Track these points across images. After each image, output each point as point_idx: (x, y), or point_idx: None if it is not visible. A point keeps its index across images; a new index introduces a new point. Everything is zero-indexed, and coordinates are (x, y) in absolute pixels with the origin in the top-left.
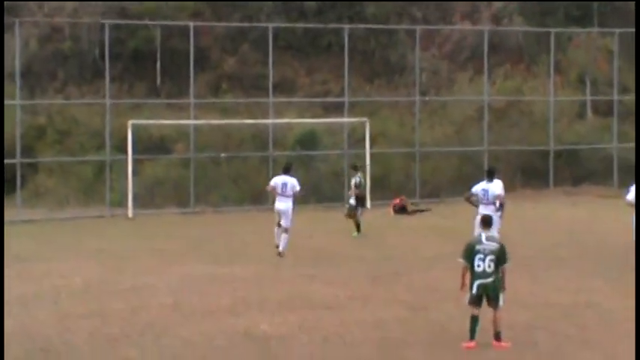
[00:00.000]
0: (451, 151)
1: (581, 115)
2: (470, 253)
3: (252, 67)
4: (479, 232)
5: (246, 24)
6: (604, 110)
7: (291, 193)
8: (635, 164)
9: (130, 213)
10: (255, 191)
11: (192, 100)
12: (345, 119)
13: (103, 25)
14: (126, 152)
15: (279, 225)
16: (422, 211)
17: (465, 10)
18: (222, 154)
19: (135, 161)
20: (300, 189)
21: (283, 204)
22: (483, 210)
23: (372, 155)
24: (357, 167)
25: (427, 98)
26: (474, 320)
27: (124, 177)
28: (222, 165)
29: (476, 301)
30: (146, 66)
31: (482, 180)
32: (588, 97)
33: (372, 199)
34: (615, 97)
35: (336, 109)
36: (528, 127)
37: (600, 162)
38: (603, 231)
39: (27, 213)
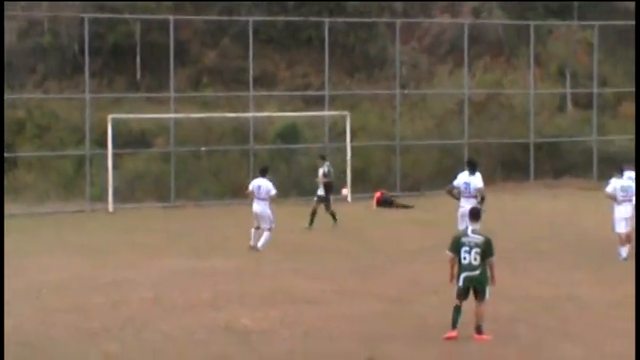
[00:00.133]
0: (431, 144)
1: (561, 107)
2: (456, 246)
3: (232, 60)
4: (466, 225)
5: (226, 17)
6: (584, 103)
7: (266, 196)
8: (634, 157)
9: (110, 207)
10: (236, 185)
11: (172, 94)
12: (326, 113)
13: (82, 20)
14: (106, 146)
15: (257, 228)
16: (405, 207)
17: (444, 4)
18: (203, 148)
19: (115, 155)
20: (276, 192)
21: (259, 207)
22: (465, 203)
23: (352, 148)
24: (324, 157)
25: (407, 91)
26: (457, 310)
27: (104, 171)
28: (202, 159)
29: (462, 293)
30: (126, 60)
31: (462, 171)
32: (568, 90)
33: (352, 193)
34: (595, 90)
35: (317, 102)
36: (508, 120)
37: (580, 154)
38: (584, 223)
39: (7, 208)
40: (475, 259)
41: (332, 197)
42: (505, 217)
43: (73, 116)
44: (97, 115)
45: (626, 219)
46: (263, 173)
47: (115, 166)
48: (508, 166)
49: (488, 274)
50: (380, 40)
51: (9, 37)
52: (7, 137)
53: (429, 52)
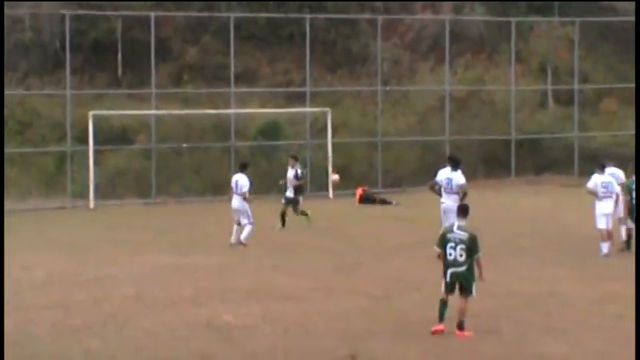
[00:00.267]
0: (413, 140)
1: (542, 104)
2: (442, 242)
3: (213, 57)
4: (453, 221)
5: (207, 14)
6: (565, 99)
7: (241, 192)
8: (635, 155)
9: (91, 204)
10: (217, 181)
11: (153, 90)
12: (307, 109)
13: (63, 16)
14: (87, 143)
15: (238, 224)
16: (389, 202)
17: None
18: (184, 145)
19: (96, 152)
20: (246, 191)
21: (236, 202)
22: (446, 199)
23: (334, 145)
24: (296, 157)
25: (389, 88)
26: (443, 304)
27: (85, 168)
28: (183, 155)
29: (449, 288)
30: (107, 57)
31: (443, 168)
32: (549, 87)
33: (334, 189)
34: (576, 87)
35: (298, 99)
36: (490, 116)
37: (562, 151)
38: (565, 220)
39: None
40: (461, 256)
41: (302, 199)
42: (487, 213)
43: (54, 113)
44: (79, 111)
45: (607, 215)
46: (242, 169)
47: (96, 163)
48: (489, 163)
49: (476, 270)
50: (361, 36)
51: None
52: None
53: (411, 48)
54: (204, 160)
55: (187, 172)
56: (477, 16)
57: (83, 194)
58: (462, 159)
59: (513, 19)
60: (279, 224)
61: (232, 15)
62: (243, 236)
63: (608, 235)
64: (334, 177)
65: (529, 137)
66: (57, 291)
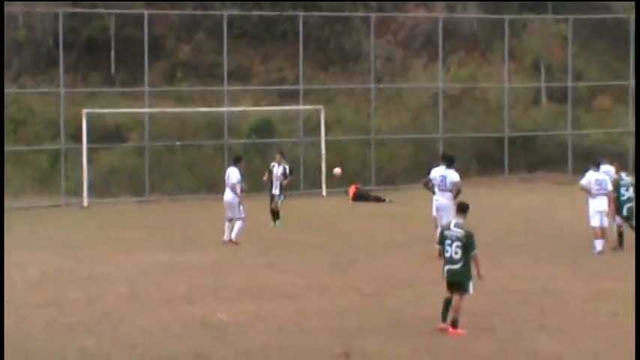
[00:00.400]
0: (407, 138)
1: (535, 101)
2: (441, 239)
3: (206, 55)
4: (450, 219)
5: (200, 12)
6: (558, 97)
7: (231, 184)
8: (634, 152)
9: (85, 202)
10: (211, 179)
11: (146, 88)
12: (301, 107)
13: (57, 14)
14: (81, 141)
15: (229, 220)
16: (382, 200)
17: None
18: (177, 143)
19: (90, 150)
20: (235, 183)
21: (227, 195)
22: (440, 196)
23: (327, 143)
24: (284, 153)
25: (382, 86)
26: (446, 303)
27: (79, 166)
28: (177, 153)
29: (448, 285)
30: (100, 55)
31: (436, 166)
32: (543, 84)
33: (327, 187)
34: (569, 84)
35: (292, 96)
36: (483, 114)
37: (555, 148)
38: (559, 218)
39: None
40: (456, 253)
41: (284, 197)
42: (480, 211)
43: (48, 111)
44: (72, 109)
45: (600, 212)
46: (235, 162)
47: (89, 161)
48: (483, 160)
49: (472, 268)
50: (355, 33)
51: None
52: None
53: (404, 46)
54: (198, 158)
55: (181, 169)
56: (470, 13)
57: (77, 192)
58: (455, 156)
59: (506, 17)
60: (272, 222)
61: (226, 13)
62: (234, 234)
63: (602, 233)
64: (337, 170)
65: (522, 135)
66: (51, 289)
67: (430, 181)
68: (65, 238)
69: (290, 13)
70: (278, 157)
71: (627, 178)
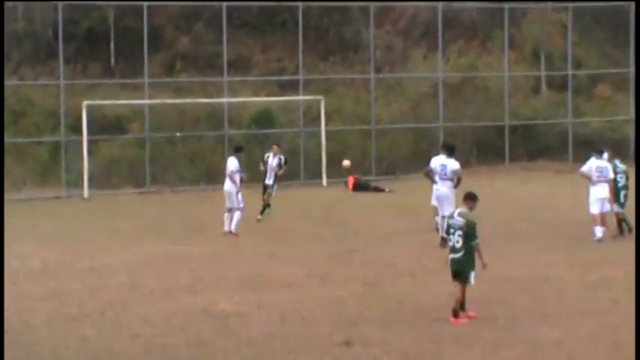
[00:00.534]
0: (407, 127)
1: (535, 90)
2: (447, 228)
3: (206, 45)
4: (451, 209)
5: (199, 2)
6: (558, 85)
7: (228, 172)
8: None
9: (85, 193)
10: (211, 170)
11: (146, 79)
12: (301, 97)
13: (56, 6)
14: (81, 133)
15: (229, 211)
16: (382, 190)
17: None
18: (178, 134)
19: (90, 142)
20: (232, 170)
21: (227, 184)
22: (441, 185)
23: (327, 133)
24: (280, 145)
25: (382, 75)
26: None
27: (79, 157)
28: (177, 144)
29: (453, 274)
30: (100, 46)
31: (436, 154)
32: (543, 72)
33: (328, 177)
34: (569, 72)
35: (292, 87)
36: (483, 102)
37: (555, 137)
38: (560, 206)
39: None
40: (458, 242)
41: (276, 188)
42: (481, 200)
43: (48, 102)
44: (72, 101)
45: (601, 200)
46: (234, 151)
47: (90, 153)
48: (483, 149)
49: (475, 258)
50: (354, 23)
51: None
52: None
53: (404, 35)
54: (198, 149)
55: (181, 161)
56: (470, 2)
57: (78, 184)
58: (456, 146)
59: (506, 5)
60: (269, 213)
61: (225, 3)
62: (233, 225)
63: (602, 220)
64: (346, 162)
65: (523, 123)
66: (53, 281)
67: (431, 170)
68: (66, 229)
69: (289, 3)
70: (275, 148)
71: (621, 166)
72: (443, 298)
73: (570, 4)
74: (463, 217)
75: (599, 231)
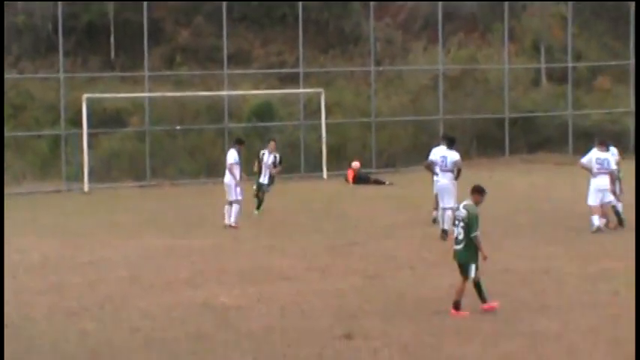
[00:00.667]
0: (407, 120)
1: (536, 82)
2: (454, 220)
3: (206, 38)
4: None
5: None
6: (558, 77)
7: (227, 164)
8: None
9: (86, 187)
10: (211, 163)
11: (146, 72)
12: (301, 90)
13: None
14: (81, 126)
15: (229, 204)
16: (382, 182)
17: None
18: (178, 127)
19: (90, 135)
20: (231, 163)
21: (226, 177)
22: (442, 177)
23: (327, 126)
24: (276, 141)
25: (382, 68)
26: (476, 286)
27: (79, 151)
28: (177, 138)
29: (458, 266)
30: (100, 39)
31: (436, 146)
32: (543, 65)
33: (328, 170)
34: (569, 64)
35: (292, 80)
36: (483, 95)
37: (555, 129)
38: (560, 198)
39: None
40: (460, 234)
41: (271, 186)
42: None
43: (48, 96)
44: (72, 94)
45: (601, 191)
46: (234, 144)
47: (90, 146)
48: (483, 142)
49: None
50: (354, 16)
51: None
52: None
53: (404, 28)
54: (198, 142)
55: (181, 154)
56: None
57: (78, 177)
58: (456, 138)
59: None
60: (257, 210)
61: None
62: (232, 218)
63: (603, 211)
64: (356, 164)
65: (523, 116)
66: (52, 274)
67: (432, 162)
68: (66, 223)
69: None
70: (272, 144)
71: (616, 155)
72: (443, 290)
73: None
74: (466, 209)
75: (596, 219)
